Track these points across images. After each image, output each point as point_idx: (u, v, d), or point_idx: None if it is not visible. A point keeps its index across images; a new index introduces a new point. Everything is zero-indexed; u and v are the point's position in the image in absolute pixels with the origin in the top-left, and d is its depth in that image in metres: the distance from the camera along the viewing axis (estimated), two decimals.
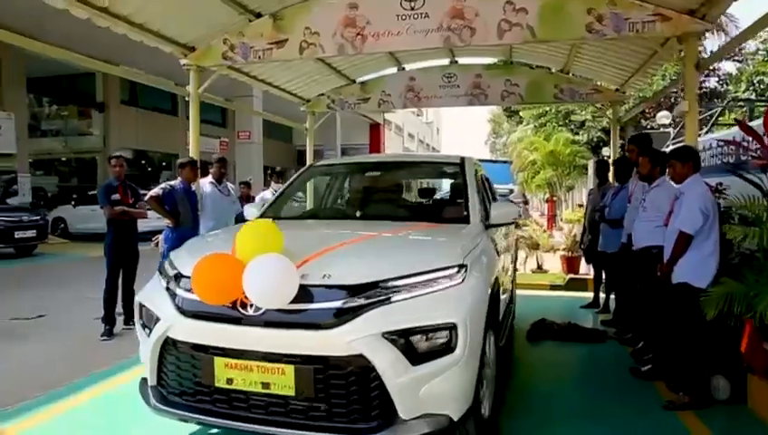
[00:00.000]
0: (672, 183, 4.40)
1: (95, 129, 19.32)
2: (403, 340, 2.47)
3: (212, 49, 6.19)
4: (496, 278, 3.38)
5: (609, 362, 5.02)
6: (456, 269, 2.72)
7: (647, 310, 4.71)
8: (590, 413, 3.88)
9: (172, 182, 5.91)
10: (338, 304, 2.53)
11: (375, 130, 28.50)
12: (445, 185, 6.69)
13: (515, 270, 6.11)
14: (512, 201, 6.78)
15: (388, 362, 2.43)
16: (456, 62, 8.83)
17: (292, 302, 2.52)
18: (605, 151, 15.12)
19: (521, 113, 22.52)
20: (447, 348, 2.52)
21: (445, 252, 2.91)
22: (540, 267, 9.61)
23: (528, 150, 16.28)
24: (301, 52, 5.92)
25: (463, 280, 2.71)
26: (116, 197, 5.90)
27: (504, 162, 24.20)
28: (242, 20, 6.02)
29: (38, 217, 13.01)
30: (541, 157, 15.61)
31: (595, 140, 18.01)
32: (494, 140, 32.08)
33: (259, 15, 6.03)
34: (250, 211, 4.20)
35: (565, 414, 3.83)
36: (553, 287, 8.51)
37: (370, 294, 2.55)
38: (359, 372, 2.47)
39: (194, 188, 6.09)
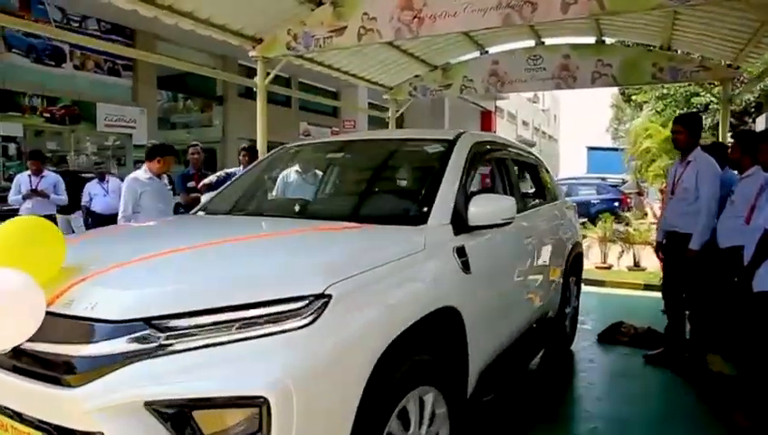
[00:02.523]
0: (764, 173, 3.76)
1: (215, 120, 20.79)
2: (179, 416, 1.58)
3: (277, 40, 6.33)
4: (448, 309, 2.38)
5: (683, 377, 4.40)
6: (301, 304, 1.72)
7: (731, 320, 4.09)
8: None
9: (229, 169, 6.14)
10: (86, 349, 1.65)
11: (486, 118, 27.76)
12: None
13: (567, 280, 4.65)
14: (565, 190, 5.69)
15: None
16: (543, 42, 8.27)
17: (36, 339, 1.69)
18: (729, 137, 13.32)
19: (634, 97, 20.66)
20: None
21: (289, 274, 1.88)
22: (637, 264, 8.77)
23: (642, 137, 14.89)
24: (359, 38, 5.86)
25: (312, 321, 1.71)
26: (191, 184, 6.26)
27: (618, 150, 22.44)
28: (304, 9, 6.09)
29: None
30: (656, 144, 14.15)
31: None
32: (616, 127, 29.86)
33: (320, 3, 6.06)
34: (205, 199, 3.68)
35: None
36: (647, 287, 7.72)
37: (137, 336, 1.63)
38: None
39: None
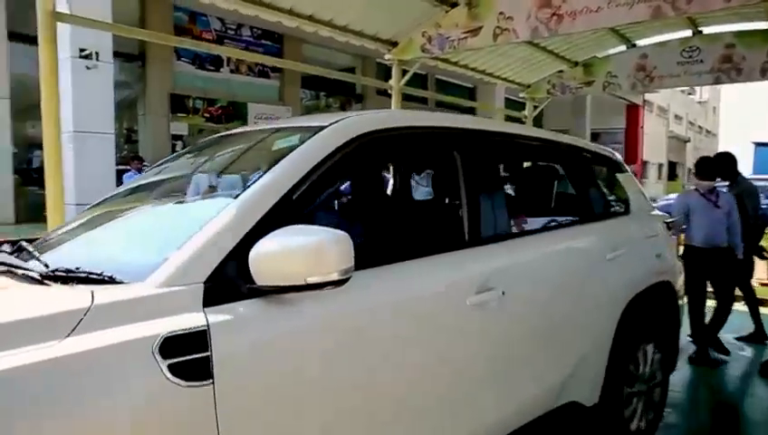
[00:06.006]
0: None
1: None
2: None
3: (412, 42, 6.41)
4: None
5: None
6: None
7: None
8: None
9: None
10: None
11: (633, 112, 25.80)
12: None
13: (627, 346, 2.85)
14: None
15: None
16: (700, 32, 7.48)
17: None
18: None
19: None
20: None
21: None
22: None
23: None
24: (494, 38, 5.75)
25: None
26: None
27: None
28: (438, 11, 6.10)
29: None
30: None
31: None
32: None
33: (455, 5, 6.02)
34: None
35: None
36: None
37: None
38: None
39: None
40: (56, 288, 1.42)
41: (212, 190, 2.07)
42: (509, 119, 17.90)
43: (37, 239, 2.12)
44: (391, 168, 2.75)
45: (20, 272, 1.55)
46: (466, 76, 13.85)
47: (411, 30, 6.36)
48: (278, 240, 1.45)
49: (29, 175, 11.31)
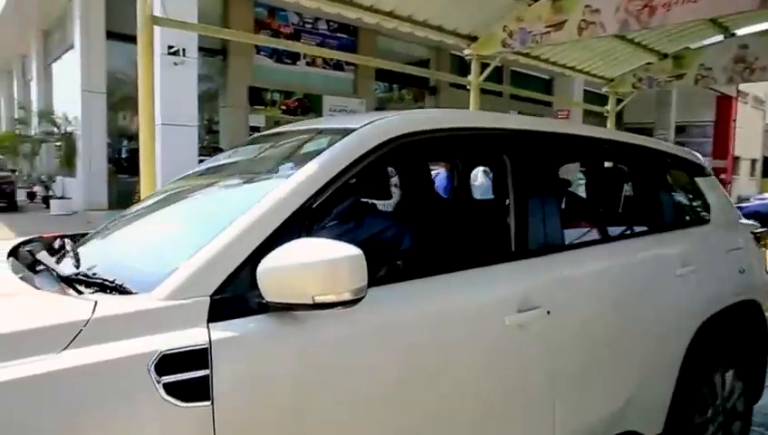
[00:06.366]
0: None
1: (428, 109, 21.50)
2: None
3: (492, 37, 6.28)
4: None
5: None
6: None
7: None
8: None
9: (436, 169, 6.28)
10: None
11: (724, 104, 24.07)
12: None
13: (699, 374, 2.50)
14: None
15: None
16: None
17: None
18: None
19: None
20: None
21: None
22: None
23: None
24: (579, 32, 5.53)
25: None
26: None
27: None
28: (520, 5, 5.94)
29: None
30: None
31: None
32: None
33: None
34: None
35: None
36: None
37: None
38: None
39: None
40: (66, 295, 1.40)
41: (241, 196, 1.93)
42: (589, 114, 17.17)
43: (86, 235, 2.14)
44: (427, 172, 2.63)
45: (53, 272, 1.57)
46: (544, 68, 13.48)
47: (491, 25, 6.23)
48: (287, 255, 1.32)
49: (120, 164, 12.07)
